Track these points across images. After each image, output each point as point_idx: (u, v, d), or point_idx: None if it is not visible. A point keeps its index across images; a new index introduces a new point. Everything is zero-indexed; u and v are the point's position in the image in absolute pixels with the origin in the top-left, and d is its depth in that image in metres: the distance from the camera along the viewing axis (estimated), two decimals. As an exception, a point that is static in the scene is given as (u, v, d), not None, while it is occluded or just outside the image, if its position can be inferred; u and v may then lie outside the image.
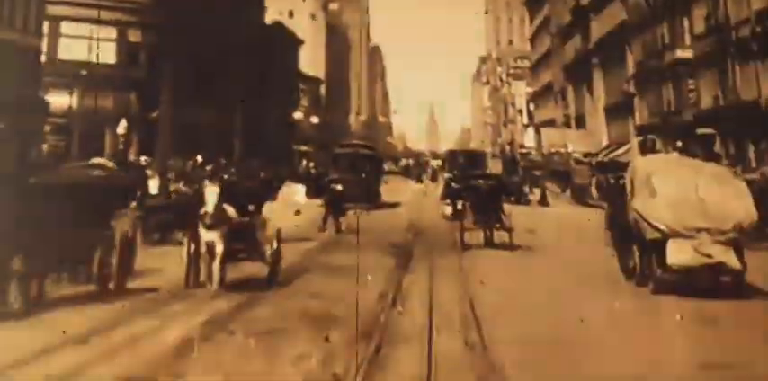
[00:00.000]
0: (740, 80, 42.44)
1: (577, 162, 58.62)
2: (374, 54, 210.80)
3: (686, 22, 49.14)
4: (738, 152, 42.58)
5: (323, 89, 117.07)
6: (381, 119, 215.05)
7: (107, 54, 48.14)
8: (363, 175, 44.88)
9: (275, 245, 22.23)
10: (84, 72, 44.95)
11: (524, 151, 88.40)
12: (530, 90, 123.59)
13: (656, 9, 53.59)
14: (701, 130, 44.94)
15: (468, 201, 30.92)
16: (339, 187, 38.37)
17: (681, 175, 21.49)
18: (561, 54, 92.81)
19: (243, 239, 21.61)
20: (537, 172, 57.44)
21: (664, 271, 19.89)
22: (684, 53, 48.97)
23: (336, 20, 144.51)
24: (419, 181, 63.55)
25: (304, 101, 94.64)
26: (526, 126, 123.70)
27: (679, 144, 47.37)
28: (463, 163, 55.28)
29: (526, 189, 47.75)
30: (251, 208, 22.30)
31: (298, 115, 73.36)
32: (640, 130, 57.36)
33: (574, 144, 71.58)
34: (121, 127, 44.93)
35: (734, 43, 42.92)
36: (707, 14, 45.74)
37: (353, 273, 21.75)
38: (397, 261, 25.35)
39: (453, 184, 39.74)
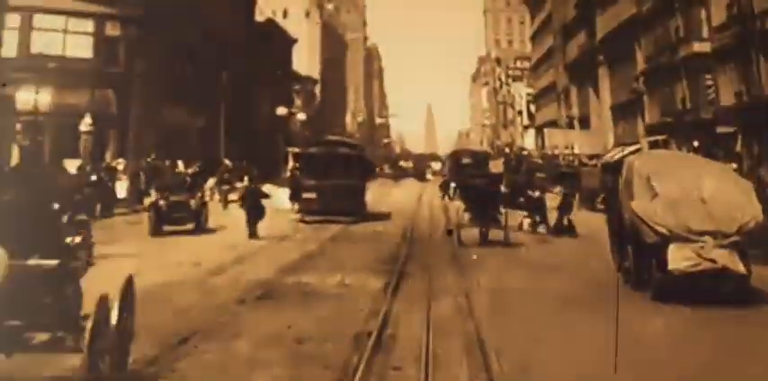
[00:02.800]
0: (765, 74, 39.42)
1: (582, 164, 56.58)
2: (371, 54, 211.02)
3: (704, 14, 46.28)
4: (763, 152, 39.72)
5: (317, 89, 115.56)
6: (379, 119, 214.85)
7: (83, 48, 45.21)
8: (344, 181, 36.90)
9: (113, 318, 10.68)
10: (52, 65, 41.88)
11: (525, 153, 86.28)
12: (530, 91, 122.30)
13: (669, 0, 50.69)
14: (720, 129, 42.28)
15: (465, 199, 30.61)
16: (263, 190, 32.96)
17: (682, 175, 19.95)
18: (564, 52, 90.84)
19: (35, 308, 10.22)
20: (540, 175, 55.01)
21: (664, 276, 18.25)
22: (701, 46, 46.06)
23: (332, 19, 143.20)
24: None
25: (298, 102, 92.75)
26: (526, 127, 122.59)
27: (696, 144, 44.83)
28: (467, 162, 55.31)
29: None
30: (73, 239, 10.87)
31: (281, 111, 69.88)
32: (651, 130, 54.73)
33: (579, 145, 69.67)
34: (85, 123, 41.35)
35: (758, 34, 39.82)
36: (728, 4, 42.75)
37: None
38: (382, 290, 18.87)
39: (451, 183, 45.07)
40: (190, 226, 30.82)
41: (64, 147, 42.46)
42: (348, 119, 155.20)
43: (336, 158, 37.89)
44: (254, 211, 29.91)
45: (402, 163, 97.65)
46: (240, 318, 15.48)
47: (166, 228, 30.43)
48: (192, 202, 31.02)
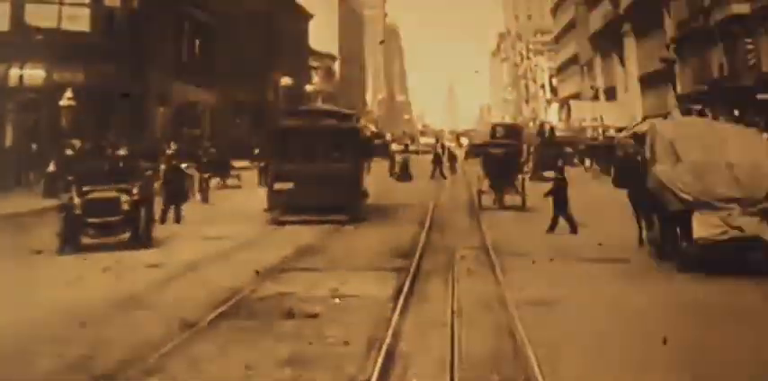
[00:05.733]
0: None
1: (607, 138, 54.78)
2: (390, 31, 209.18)
3: (741, -28, 43.65)
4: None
5: (336, 65, 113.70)
6: (399, 97, 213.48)
7: (80, 21, 42.64)
8: (332, 165, 27.40)
9: None
10: (46, 39, 39.37)
11: (550, 126, 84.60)
12: (552, 64, 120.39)
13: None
14: (762, 96, 39.70)
15: (483, 167, 32.16)
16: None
17: (707, 139, 19.27)
18: (587, 23, 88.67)
19: None
20: (568, 149, 53.12)
21: (690, 246, 17.61)
22: (741, 8, 43.32)
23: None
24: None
25: (316, 78, 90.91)
26: (549, 101, 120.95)
27: (736, 113, 42.23)
28: (502, 135, 53.42)
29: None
30: None
31: (285, 81, 66.99)
32: (684, 100, 52.01)
33: (606, 117, 67.73)
34: (65, 98, 38.51)
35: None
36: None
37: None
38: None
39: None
40: (125, 236, 21.41)
41: (60, 125, 40.03)
42: (368, 96, 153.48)
43: (322, 134, 28.31)
44: (173, 196, 25.32)
45: (423, 139, 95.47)
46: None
47: (87, 241, 21.15)
48: (125, 199, 21.32)
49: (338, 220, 26.25)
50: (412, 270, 17.28)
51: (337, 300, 14.50)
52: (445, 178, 45.56)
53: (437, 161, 47.32)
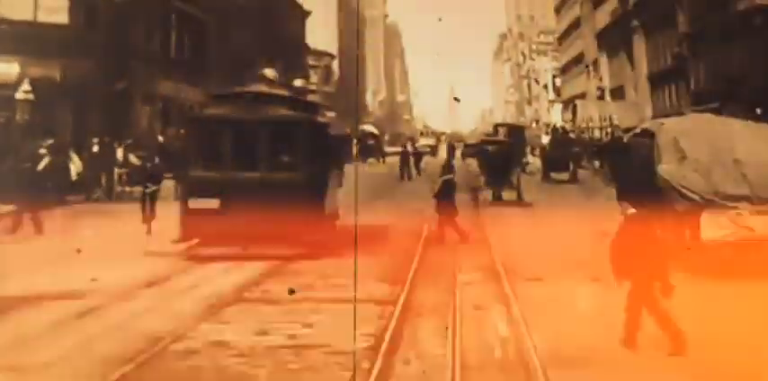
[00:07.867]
0: None
1: (616, 138, 53.09)
2: (391, 32, 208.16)
3: (765, -43, 41.97)
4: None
5: (335, 64, 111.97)
6: (400, 97, 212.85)
7: (57, 12, 40.60)
8: (278, 174, 20.26)
9: None
10: (20, 32, 37.39)
11: (562, 127, 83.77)
12: (555, 64, 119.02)
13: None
14: (788, 94, 38.15)
15: (479, 163, 33.14)
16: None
17: (713, 135, 19.50)
18: (593, 20, 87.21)
19: None
20: (575, 149, 51.84)
21: (698, 248, 17.29)
22: (764, -3, 41.56)
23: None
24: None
25: (314, 77, 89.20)
26: (552, 102, 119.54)
27: (758, 111, 40.32)
28: (504, 135, 53.34)
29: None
30: None
31: (270, 73, 64.62)
32: (699, 98, 49.99)
33: (615, 117, 66.02)
34: (21, 91, 36.29)
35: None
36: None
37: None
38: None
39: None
40: None
41: (37, 124, 37.97)
42: (368, 97, 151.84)
43: (263, 128, 20.66)
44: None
45: (423, 140, 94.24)
46: None
47: None
48: None
49: (284, 254, 19.73)
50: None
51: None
52: (410, 179, 45.02)
53: (404, 161, 47.40)
